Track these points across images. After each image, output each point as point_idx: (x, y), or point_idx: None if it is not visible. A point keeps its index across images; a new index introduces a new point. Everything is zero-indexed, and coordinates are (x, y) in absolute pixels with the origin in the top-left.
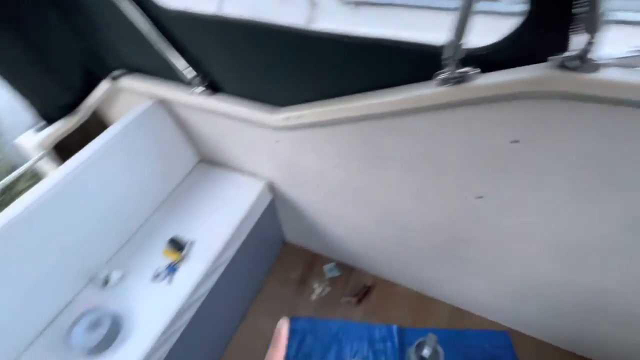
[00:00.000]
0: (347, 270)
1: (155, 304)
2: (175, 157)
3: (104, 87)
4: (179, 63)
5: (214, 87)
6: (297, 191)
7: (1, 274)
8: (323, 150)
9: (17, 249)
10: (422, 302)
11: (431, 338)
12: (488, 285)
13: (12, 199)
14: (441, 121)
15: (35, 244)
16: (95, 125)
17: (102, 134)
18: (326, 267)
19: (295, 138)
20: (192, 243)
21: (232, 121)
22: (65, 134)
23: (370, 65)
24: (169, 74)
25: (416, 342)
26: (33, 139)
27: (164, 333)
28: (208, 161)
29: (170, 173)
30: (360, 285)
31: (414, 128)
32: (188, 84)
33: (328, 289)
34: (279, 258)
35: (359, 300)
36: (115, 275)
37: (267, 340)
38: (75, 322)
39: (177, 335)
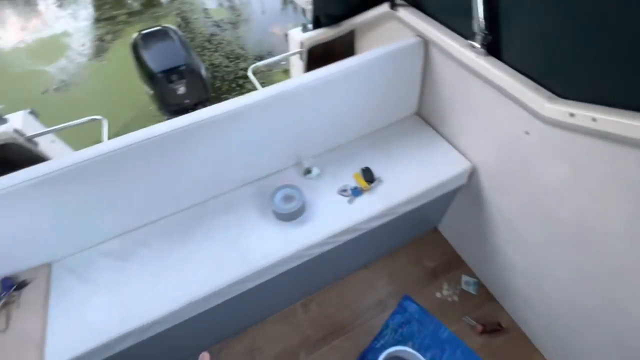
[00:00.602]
0: (486, 296)
1: (333, 211)
2: (402, 99)
3: (380, 10)
4: (479, 11)
5: (489, 49)
6: (496, 191)
7: (248, 133)
8: (589, 169)
9: (270, 114)
10: None
11: None
12: None
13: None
14: None
15: (280, 117)
16: (342, 43)
17: (369, 51)
18: (466, 278)
19: (557, 139)
20: (380, 181)
21: (489, 89)
22: (322, 41)
23: None
24: (452, 19)
25: None
26: (298, 36)
27: (329, 237)
28: (423, 117)
29: (390, 111)
30: (492, 319)
31: None
32: (466, 36)
33: (456, 298)
34: (422, 239)
35: (483, 331)
36: (315, 171)
37: (374, 296)
38: (278, 188)
39: (331, 246)
